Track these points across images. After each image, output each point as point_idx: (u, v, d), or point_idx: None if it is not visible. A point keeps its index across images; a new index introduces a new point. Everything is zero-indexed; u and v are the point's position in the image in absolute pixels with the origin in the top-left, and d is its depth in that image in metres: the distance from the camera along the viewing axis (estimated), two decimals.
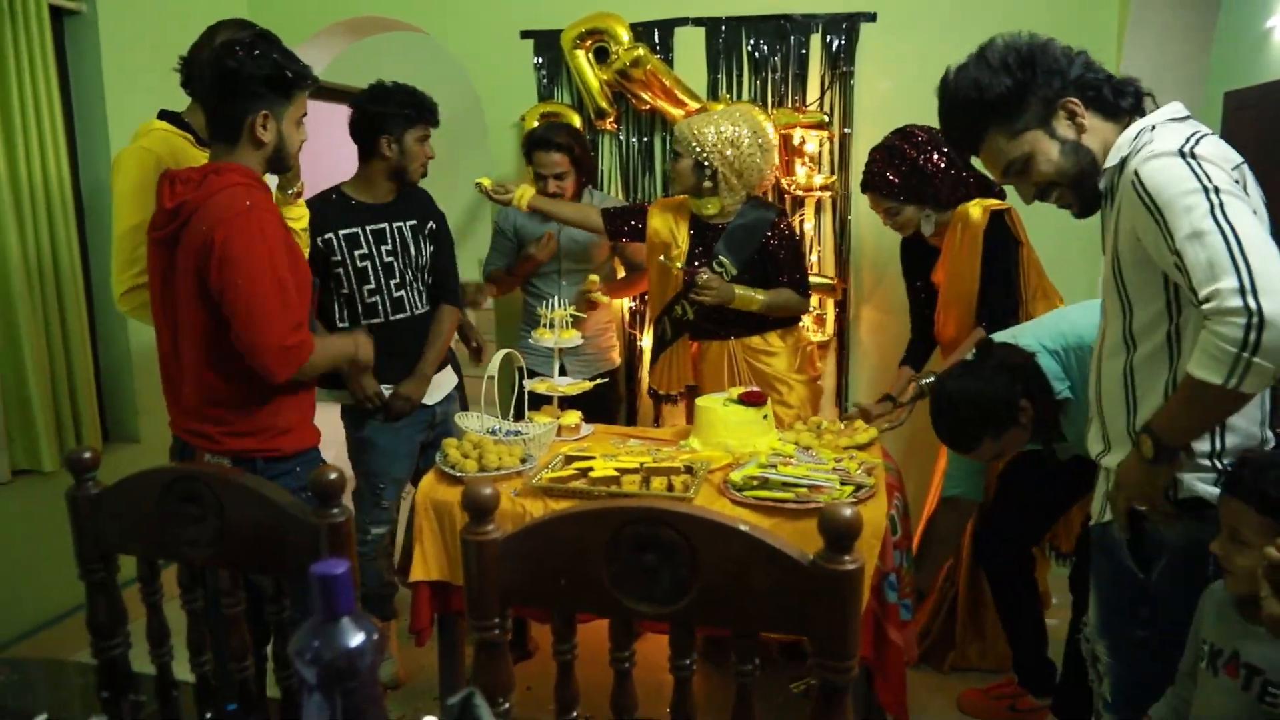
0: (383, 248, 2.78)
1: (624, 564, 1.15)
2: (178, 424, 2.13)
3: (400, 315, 2.82)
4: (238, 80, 1.96)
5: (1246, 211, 1.41)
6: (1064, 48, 1.67)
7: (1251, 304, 1.32)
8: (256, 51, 1.97)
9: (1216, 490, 1.54)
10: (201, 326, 1.99)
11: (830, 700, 1.09)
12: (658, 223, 3.07)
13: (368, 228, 2.76)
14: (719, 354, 3.04)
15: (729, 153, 2.85)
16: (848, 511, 1.04)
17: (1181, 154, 1.47)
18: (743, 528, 1.10)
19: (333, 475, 1.27)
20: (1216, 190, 1.42)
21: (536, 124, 3.51)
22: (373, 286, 2.77)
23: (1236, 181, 1.47)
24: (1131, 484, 1.62)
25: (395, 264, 2.79)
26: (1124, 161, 1.58)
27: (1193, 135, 1.51)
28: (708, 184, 2.90)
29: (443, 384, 2.99)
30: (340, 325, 2.76)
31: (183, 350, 2.04)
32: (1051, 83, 1.63)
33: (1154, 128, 1.58)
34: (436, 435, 2.94)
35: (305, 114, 2.11)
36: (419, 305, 2.87)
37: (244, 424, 2.06)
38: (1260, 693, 1.39)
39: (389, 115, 2.72)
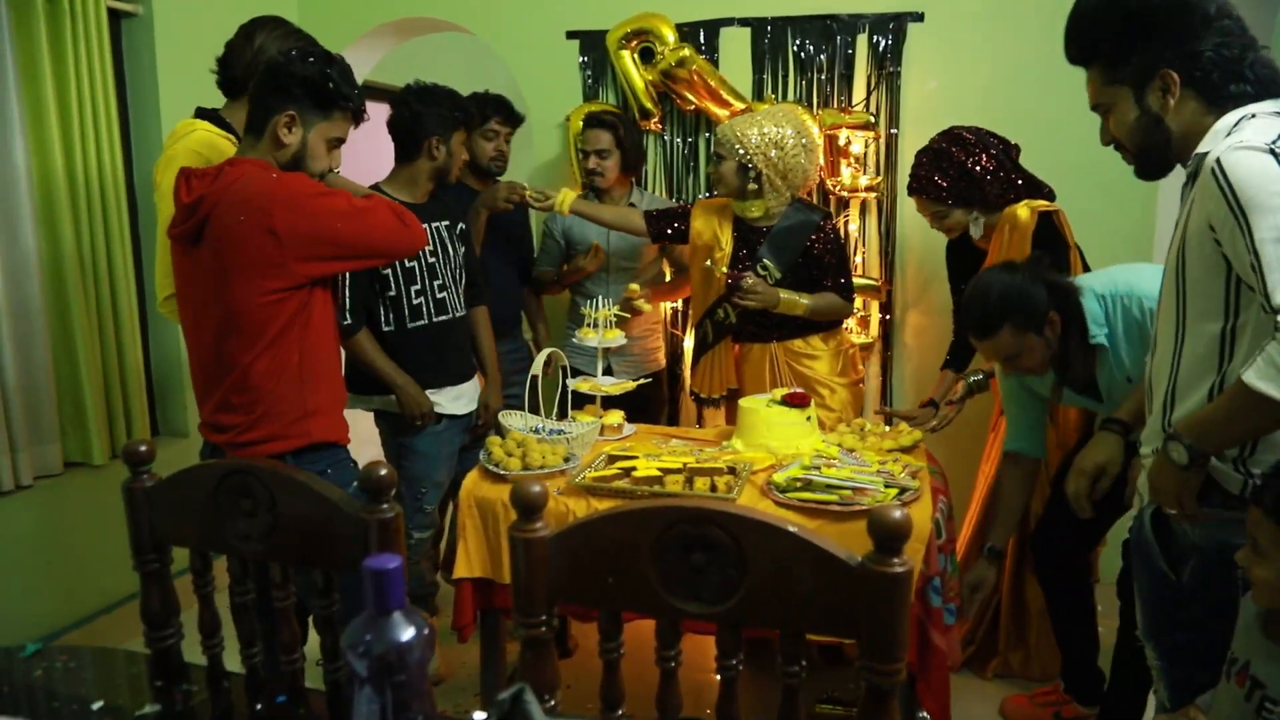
0: (426, 249, 2.76)
1: (671, 563, 1.15)
2: (205, 424, 2.11)
3: (444, 317, 2.80)
4: (277, 74, 1.97)
5: None
6: (1217, 12, 1.53)
7: None
8: (311, 59, 1.99)
9: (1238, 480, 1.51)
10: (219, 321, 1.98)
11: (878, 703, 1.09)
12: (700, 224, 3.06)
13: None
14: (760, 357, 3.03)
15: (773, 154, 2.83)
16: (898, 513, 1.03)
17: (1272, 150, 1.41)
18: (791, 528, 1.09)
19: (383, 471, 1.29)
20: None
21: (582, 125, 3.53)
22: (419, 288, 2.75)
23: None
24: (1163, 489, 1.58)
25: (438, 265, 2.78)
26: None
27: None
28: (752, 186, 2.89)
29: (475, 391, 2.97)
30: (385, 329, 2.72)
31: (203, 347, 2.04)
32: (1163, 50, 1.54)
33: (1254, 116, 1.50)
34: (474, 440, 2.95)
35: (342, 139, 2.09)
36: (459, 307, 2.86)
37: (269, 420, 2.02)
38: (1258, 705, 1.38)
39: (440, 117, 2.72)
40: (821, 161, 3.24)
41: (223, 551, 1.43)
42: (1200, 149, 1.54)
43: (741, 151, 2.84)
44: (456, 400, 2.86)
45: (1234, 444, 1.50)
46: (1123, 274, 2.27)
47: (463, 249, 2.89)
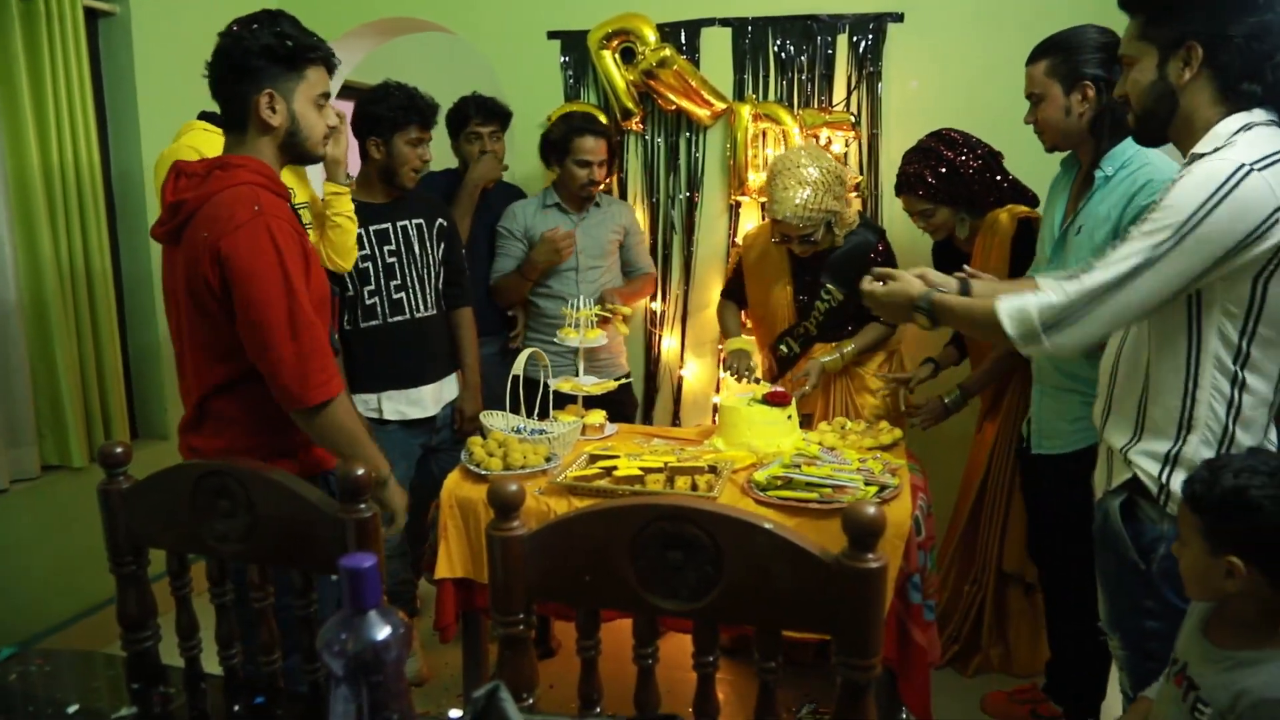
0: (385, 248, 2.73)
1: (649, 561, 1.16)
2: (182, 440, 1.93)
3: (400, 318, 2.77)
4: (234, 57, 1.78)
5: (1173, 272, 1.49)
6: (1265, 2, 1.53)
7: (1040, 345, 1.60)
8: (255, 25, 1.79)
9: (1154, 473, 1.62)
10: (197, 332, 1.82)
11: (853, 698, 1.09)
12: (754, 255, 3.08)
13: (370, 228, 2.70)
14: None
15: (827, 206, 2.80)
16: (871, 510, 1.04)
17: (1243, 166, 1.45)
18: (767, 525, 1.10)
19: (359, 471, 1.29)
20: (1186, 230, 1.46)
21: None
22: (372, 288, 2.72)
23: (1267, 223, 1.45)
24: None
25: (397, 265, 2.75)
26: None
27: (1274, 155, 1.47)
28: (826, 236, 2.89)
29: (446, 393, 2.94)
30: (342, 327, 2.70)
31: (185, 354, 1.89)
32: (1199, 22, 1.55)
33: (1250, 128, 1.53)
34: (438, 442, 2.93)
35: (326, 93, 1.90)
36: (420, 308, 2.81)
37: (246, 440, 1.85)
38: (1192, 706, 1.40)
39: (380, 116, 2.68)
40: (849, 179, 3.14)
41: (200, 553, 1.43)
42: (1198, 149, 1.57)
43: (807, 228, 2.82)
44: (414, 404, 2.82)
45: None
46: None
47: (441, 247, 2.86)
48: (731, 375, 3.04)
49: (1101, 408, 1.79)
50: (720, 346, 3.23)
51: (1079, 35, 2.20)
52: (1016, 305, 1.61)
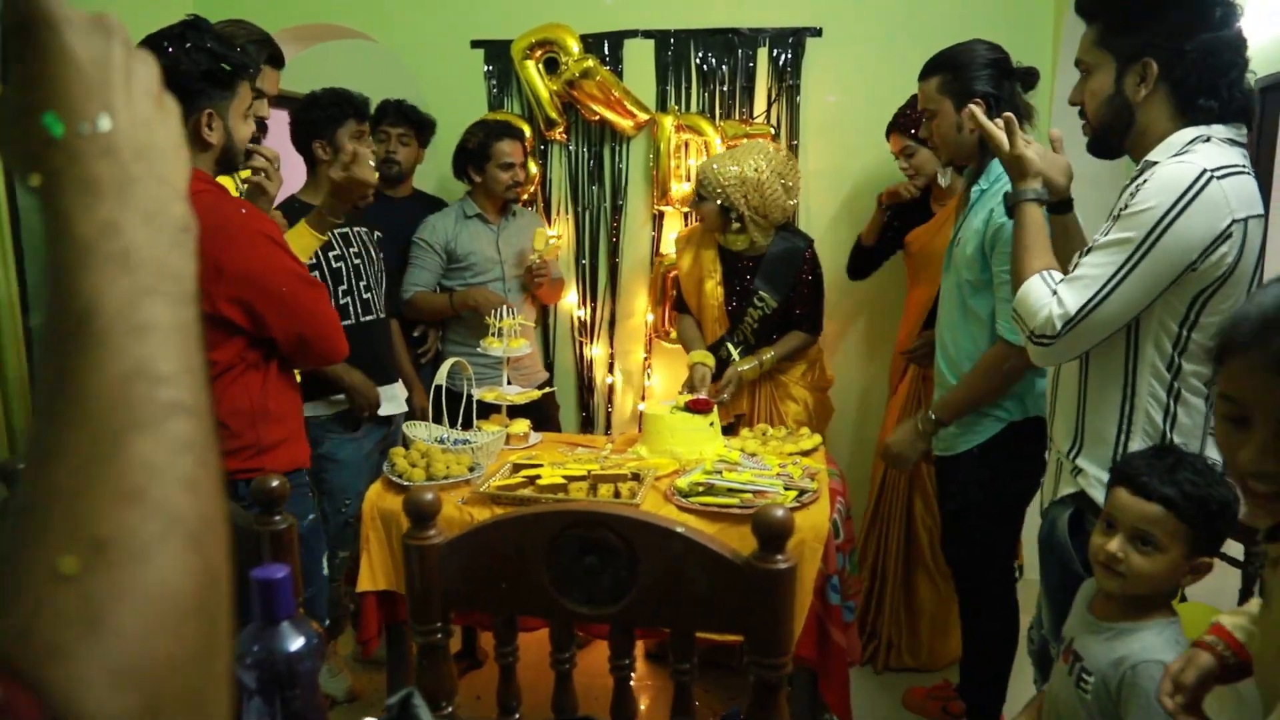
0: (350, 250, 2.77)
1: (564, 567, 1.17)
2: None
3: (369, 317, 2.82)
4: (173, 79, 1.80)
5: (1144, 279, 1.49)
6: (1221, 19, 1.54)
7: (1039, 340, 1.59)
8: (188, 44, 1.81)
9: (1105, 481, 1.60)
10: None
11: (766, 696, 1.12)
12: (687, 260, 3.11)
13: (335, 230, 2.69)
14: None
15: (752, 197, 2.86)
16: (779, 512, 1.07)
17: (1206, 171, 1.47)
18: (679, 530, 1.12)
19: (274, 482, 1.28)
20: (1156, 237, 1.46)
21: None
22: (345, 287, 2.77)
23: (1224, 234, 1.47)
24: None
25: (362, 266, 2.79)
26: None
27: (1230, 166, 1.49)
28: (735, 225, 2.92)
29: (399, 396, 2.96)
30: None
31: None
32: (1156, 36, 1.55)
33: (1208, 140, 1.54)
34: (388, 446, 2.92)
35: (251, 104, 1.98)
36: (382, 309, 2.87)
37: (224, 442, 1.94)
38: (1077, 677, 1.48)
39: (316, 119, 2.73)
40: (798, 190, 3.17)
41: None
42: (1151, 156, 1.59)
43: (721, 194, 2.87)
44: (389, 400, 2.88)
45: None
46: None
47: (381, 255, 2.90)
48: (685, 389, 2.99)
49: (1049, 411, 1.83)
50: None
51: (969, 52, 2.21)
52: (1023, 311, 1.63)
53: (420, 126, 3.33)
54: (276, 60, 2.65)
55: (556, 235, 3.24)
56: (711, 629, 1.17)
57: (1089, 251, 1.57)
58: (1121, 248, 1.50)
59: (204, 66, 1.82)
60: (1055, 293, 1.57)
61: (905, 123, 2.88)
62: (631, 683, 1.23)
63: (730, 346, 3.03)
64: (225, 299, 1.84)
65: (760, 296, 2.98)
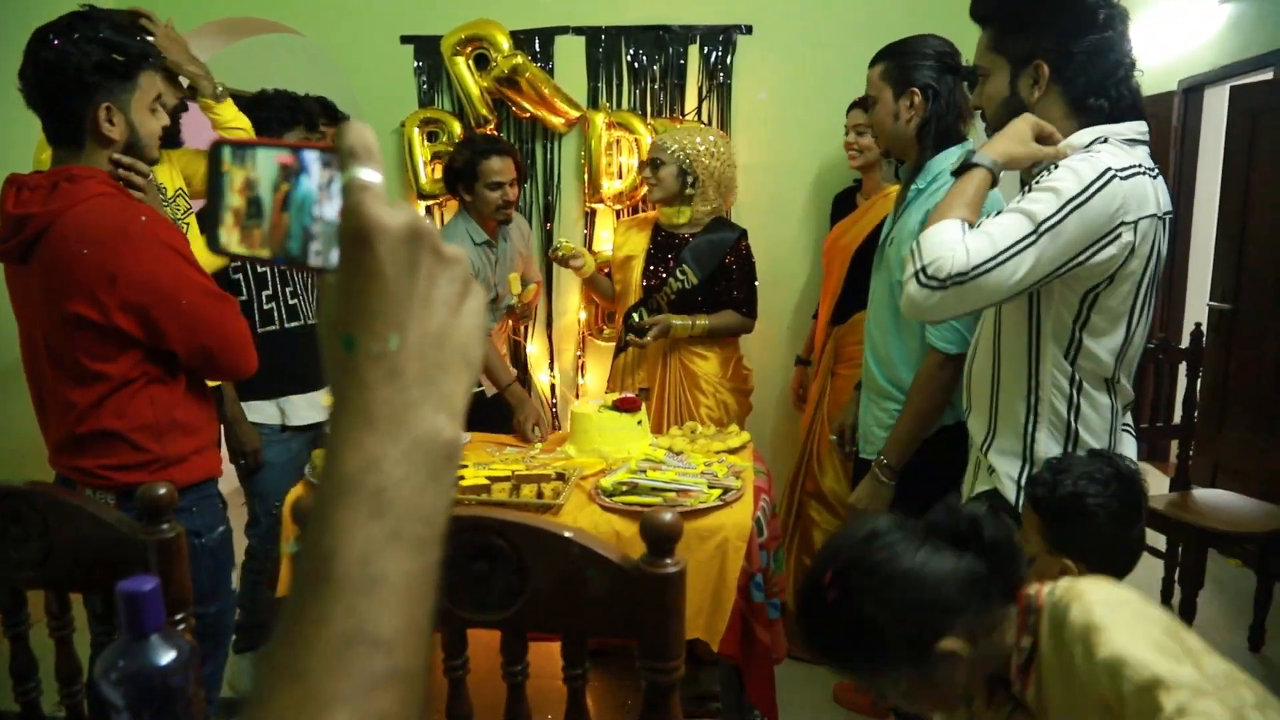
0: None
1: (455, 573, 1.15)
2: (56, 460, 1.91)
3: (295, 323, 2.78)
4: (63, 73, 1.69)
5: (1039, 255, 1.48)
6: (1105, 20, 1.57)
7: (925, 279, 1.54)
8: (76, 35, 1.70)
9: (1015, 475, 1.67)
10: (67, 350, 1.78)
11: (659, 699, 1.11)
12: (620, 238, 3.17)
13: None
14: (655, 352, 3.07)
15: (711, 162, 2.92)
16: (668, 516, 1.07)
17: (1110, 170, 1.48)
18: (567, 534, 1.11)
19: (161, 490, 1.25)
20: (1060, 219, 1.48)
21: (417, 130, 3.50)
22: (270, 293, 2.74)
23: (1113, 234, 1.49)
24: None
25: (289, 272, 2.75)
26: None
27: (1133, 167, 1.51)
28: (689, 191, 2.95)
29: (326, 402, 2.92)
30: None
31: (49, 377, 1.84)
32: (1045, 39, 1.59)
33: (1106, 141, 1.57)
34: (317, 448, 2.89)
35: (160, 95, 1.86)
36: (310, 315, 2.83)
37: (127, 455, 1.84)
38: None
39: (265, 120, 2.68)
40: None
41: None
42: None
43: (682, 156, 2.90)
44: (313, 408, 2.82)
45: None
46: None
47: None
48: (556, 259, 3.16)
49: (965, 403, 1.85)
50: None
51: (917, 42, 2.22)
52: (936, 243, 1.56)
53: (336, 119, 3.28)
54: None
55: (536, 281, 3.28)
56: (605, 633, 1.16)
57: (1000, 213, 1.57)
58: (1029, 218, 1.51)
59: (95, 58, 1.71)
60: (964, 243, 1.55)
61: (868, 102, 2.90)
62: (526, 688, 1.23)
63: (644, 311, 3.06)
64: (120, 309, 1.74)
65: (683, 269, 3.00)
